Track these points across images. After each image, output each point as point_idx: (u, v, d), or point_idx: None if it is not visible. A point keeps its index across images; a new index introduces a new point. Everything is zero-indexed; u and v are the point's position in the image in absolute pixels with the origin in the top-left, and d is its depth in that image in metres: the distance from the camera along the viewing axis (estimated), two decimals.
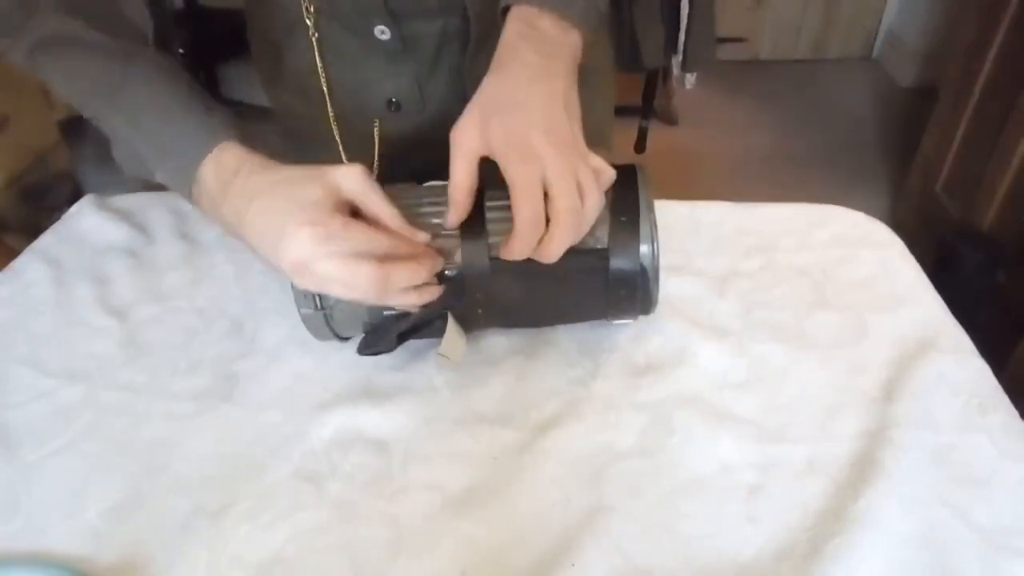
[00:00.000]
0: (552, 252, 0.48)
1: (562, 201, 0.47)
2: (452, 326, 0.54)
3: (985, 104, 1.59)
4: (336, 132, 0.69)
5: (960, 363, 0.58)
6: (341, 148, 0.69)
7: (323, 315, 0.56)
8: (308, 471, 0.52)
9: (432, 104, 0.70)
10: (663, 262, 0.55)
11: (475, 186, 0.50)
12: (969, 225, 1.60)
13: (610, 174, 0.52)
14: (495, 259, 0.52)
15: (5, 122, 1.38)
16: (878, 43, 2.81)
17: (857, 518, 0.46)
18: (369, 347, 0.56)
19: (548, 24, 0.51)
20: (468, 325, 0.57)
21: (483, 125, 0.48)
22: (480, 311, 0.55)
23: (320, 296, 0.54)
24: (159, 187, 0.55)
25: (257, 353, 0.62)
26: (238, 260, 0.73)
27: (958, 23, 1.91)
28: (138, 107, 0.53)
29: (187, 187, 0.52)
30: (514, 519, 0.49)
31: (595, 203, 0.49)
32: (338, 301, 0.54)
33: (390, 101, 0.69)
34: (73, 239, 0.77)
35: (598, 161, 0.51)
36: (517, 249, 0.49)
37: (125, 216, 0.79)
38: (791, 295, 0.65)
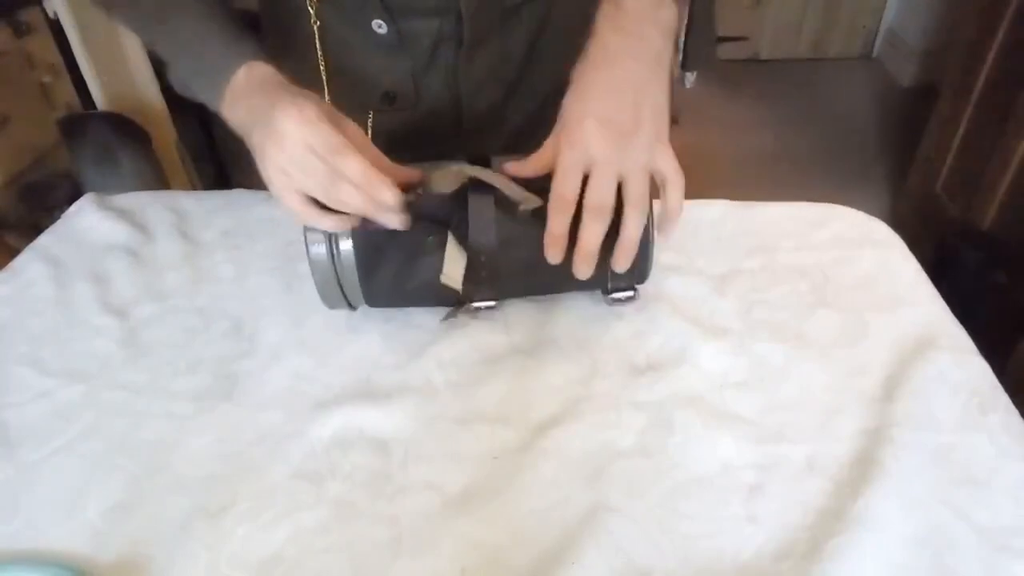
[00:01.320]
0: (583, 244, 0.51)
1: (589, 197, 0.50)
2: (452, 245, 0.55)
3: (985, 104, 1.59)
4: None
5: (960, 362, 0.58)
6: None
7: (331, 260, 0.56)
8: (308, 471, 0.52)
9: (425, 100, 0.71)
10: (663, 260, 0.55)
11: (547, 166, 0.52)
12: (969, 225, 1.60)
13: (675, 182, 0.53)
14: (499, 213, 0.54)
15: (5, 122, 1.37)
16: (878, 42, 2.81)
17: (857, 518, 0.46)
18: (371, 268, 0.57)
19: (633, 1, 0.52)
20: (472, 292, 0.57)
21: (560, 108, 0.51)
22: (483, 260, 0.56)
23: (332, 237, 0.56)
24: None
25: (257, 353, 0.62)
26: (238, 260, 0.73)
27: (958, 22, 1.91)
28: (183, 32, 0.56)
29: (220, 95, 0.54)
30: (514, 519, 0.49)
31: (638, 211, 0.51)
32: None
33: (386, 94, 0.70)
34: (73, 238, 0.77)
35: (664, 162, 0.52)
36: (551, 226, 0.51)
37: (125, 215, 0.79)
38: (791, 295, 0.65)
